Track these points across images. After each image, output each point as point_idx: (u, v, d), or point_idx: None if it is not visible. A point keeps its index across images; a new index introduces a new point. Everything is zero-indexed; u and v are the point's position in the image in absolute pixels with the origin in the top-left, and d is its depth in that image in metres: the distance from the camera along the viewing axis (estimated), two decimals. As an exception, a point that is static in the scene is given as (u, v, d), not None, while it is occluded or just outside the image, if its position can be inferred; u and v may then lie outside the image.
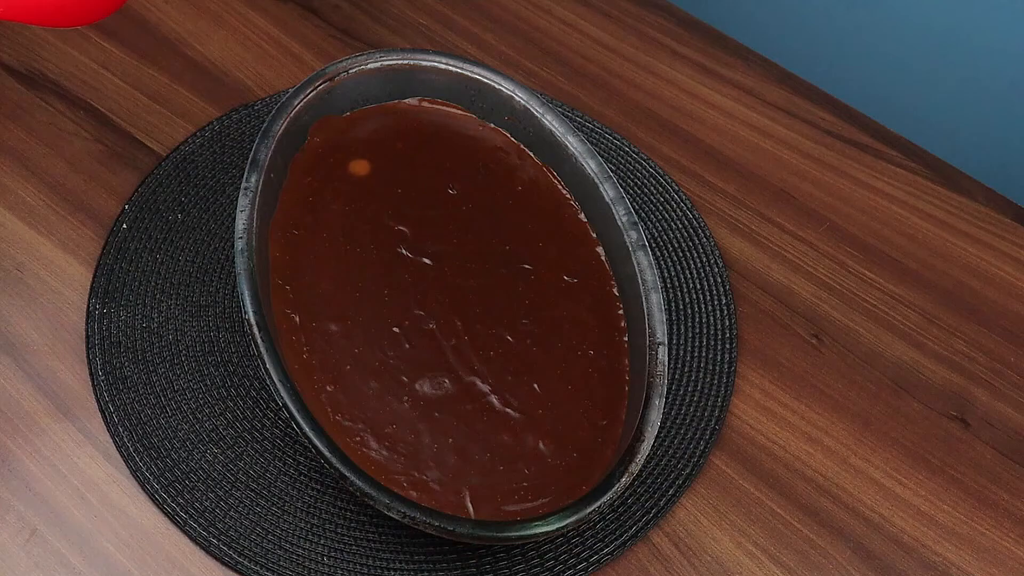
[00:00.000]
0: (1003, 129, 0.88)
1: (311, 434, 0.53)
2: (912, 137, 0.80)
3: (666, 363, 0.59)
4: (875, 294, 0.72)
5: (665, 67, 0.82)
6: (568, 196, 0.67)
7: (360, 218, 0.64)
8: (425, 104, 0.69)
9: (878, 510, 0.63)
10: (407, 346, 0.59)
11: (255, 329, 0.55)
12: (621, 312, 0.63)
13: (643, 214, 0.73)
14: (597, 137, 0.76)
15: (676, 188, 0.75)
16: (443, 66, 0.68)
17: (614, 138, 0.76)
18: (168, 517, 0.59)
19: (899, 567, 0.61)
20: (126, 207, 0.69)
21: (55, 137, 0.72)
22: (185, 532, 0.58)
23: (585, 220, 0.67)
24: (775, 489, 0.63)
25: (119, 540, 0.58)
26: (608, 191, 0.65)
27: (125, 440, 0.61)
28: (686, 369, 0.67)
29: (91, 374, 0.63)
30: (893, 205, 0.76)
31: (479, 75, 0.68)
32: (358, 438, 0.56)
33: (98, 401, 0.62)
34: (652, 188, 0.74)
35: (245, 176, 0.59)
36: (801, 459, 0.65)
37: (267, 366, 0.54)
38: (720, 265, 0.71)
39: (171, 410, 0.62)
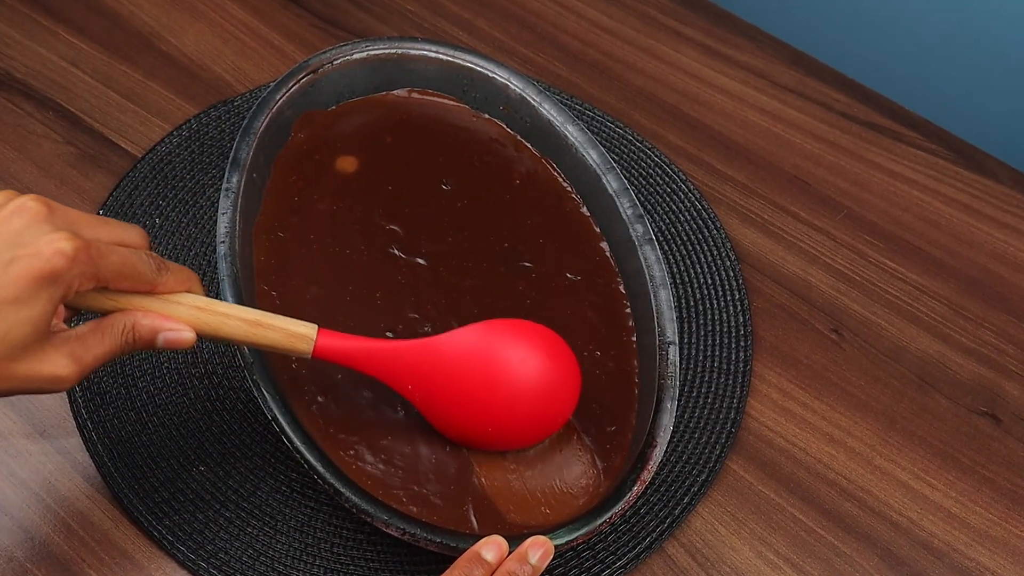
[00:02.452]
0: (1028, 106, 0.88)
1: (303, 448, 0.53)
2: (932, 117, 0.80)
3: (677, 363, 0.59)
4: (897, 284, 0.72)
5: (668, 50, 0.82)
6: (569, 189, 0.67)
7: (349, 218, 0.64)
8: (415, 95, 0.69)
9: (906, 513, 0.63)
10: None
11: (241, 338, 0.55)
12: (628, 310, 0.63)
13: (649, 206, 0.73)
14: (598, 126, 0.76)
15: (683, 178, 0.75)
16: (433, 55, 0.68)
17: (616, 126, 0.76)
18: (154, 541, 0.59)
19: (930, 573, 0.61)
20: (100, 212, 0.69)
21: (23, 140, 0.72)
22: (172, 556, 0.58)
23: (588, 214, 0.67)
24: (796, 494, 0.63)
25: (102, 566, 0.58)
26: (611, 183, 0.65)
27: (106, 460, 0.60)
28: (699, 369, 0.67)
29: (68, 391, 0.62)
30: (913, 190, 0.76)
31: (471, 63, 0.68)
32: (352, 451, 0.56)
33: (76, 419, 0.62)
34: (658, 178, 0.74)
35: (226, 176, 0.59)
36: (823, 461, 0.65)
37: (254, 377, 0.54)
38: (732, 258, 0.71)
39: (154, 427, 0.62)
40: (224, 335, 0.51)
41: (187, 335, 0.50)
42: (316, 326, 0.52)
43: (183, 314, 0.50)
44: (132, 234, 0.50)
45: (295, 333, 0.51)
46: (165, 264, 0.50)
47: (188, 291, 0.51)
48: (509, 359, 0.55)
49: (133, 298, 0.49)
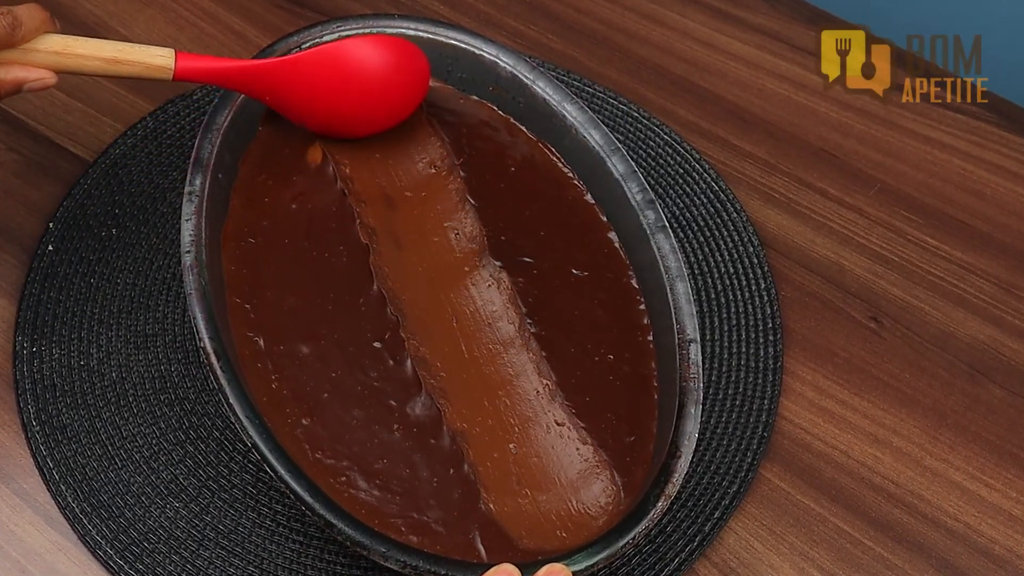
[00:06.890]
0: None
1: (287, 477, 0.53)
2: (970, 76, 0.80)
3: (700, 364, 0.59)
4: (940, 264, 0.72)
5: (674, 15, 0.82)
6: (570, 175, 0.67)
7: (325, 217, 0.64)
8: (394, 78, 0.69)
9: (962, 518, 0.63)
10: (391, 362, 0.59)
11: (213, 358, 0.54)
12: (643, 307, 0.63)
13: (660, 190, 0.73)
14: (600, 103, 0.76)
15: (697, 156, 0.75)
16: (412, 33, 0.68)
17: (619, 103, 0.76)
18: (126, 587, 0.59)
19: (992, 584, 0.61)
20: (51, 225, 0.69)
21: (-39, 149, 0.72)
22: (148, 603, 0.58)
23: (592, 201, 0.67)
24: (839, 502, 0.63)
25: (70, 618, 0.58)
26: (617, 165, 0.65)
27: (69, 500, 0.60)
28: (724, 369, 0.67)
29: (23, 425, 0.62)
30: (954, 158, 0.76)
31: (455, 40, 0.68)
32: (344, 478, 0.56)
33: (34, 456, 0.62)
34: (669, 158, 0.74)
35: (188, 179, 0.59)
36: (867, 464, 0.65)
37: (230, 401, 0.54)
38: (755, 243, 0.71)
39: (121, 461, 0.62)
40: (87, 73, 0.59)
41: (50, 80, 0.58)
42: (173, 51, 0.60)
43: (43, 60, 0.58)
44: None
45: (153, 65, 0.59)
46: (16, 17, 0.56)
47: (45, 33, 0.58)
48: (358, 54, 0.64)
49: None
